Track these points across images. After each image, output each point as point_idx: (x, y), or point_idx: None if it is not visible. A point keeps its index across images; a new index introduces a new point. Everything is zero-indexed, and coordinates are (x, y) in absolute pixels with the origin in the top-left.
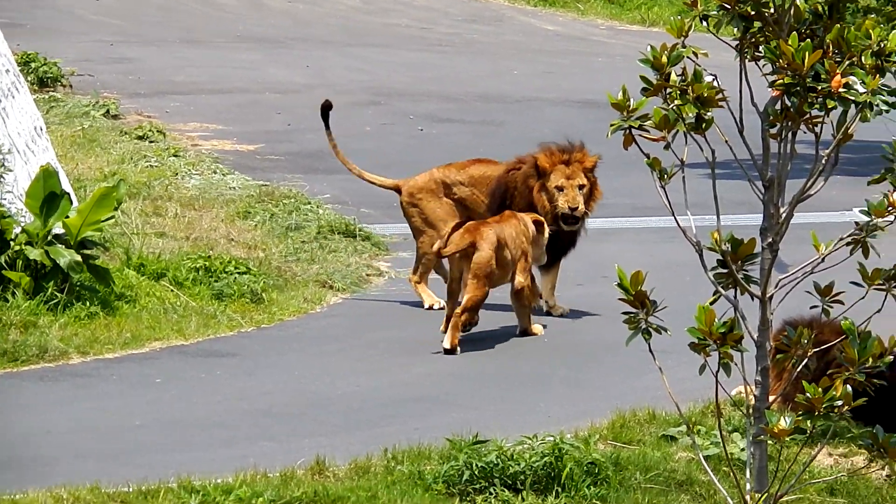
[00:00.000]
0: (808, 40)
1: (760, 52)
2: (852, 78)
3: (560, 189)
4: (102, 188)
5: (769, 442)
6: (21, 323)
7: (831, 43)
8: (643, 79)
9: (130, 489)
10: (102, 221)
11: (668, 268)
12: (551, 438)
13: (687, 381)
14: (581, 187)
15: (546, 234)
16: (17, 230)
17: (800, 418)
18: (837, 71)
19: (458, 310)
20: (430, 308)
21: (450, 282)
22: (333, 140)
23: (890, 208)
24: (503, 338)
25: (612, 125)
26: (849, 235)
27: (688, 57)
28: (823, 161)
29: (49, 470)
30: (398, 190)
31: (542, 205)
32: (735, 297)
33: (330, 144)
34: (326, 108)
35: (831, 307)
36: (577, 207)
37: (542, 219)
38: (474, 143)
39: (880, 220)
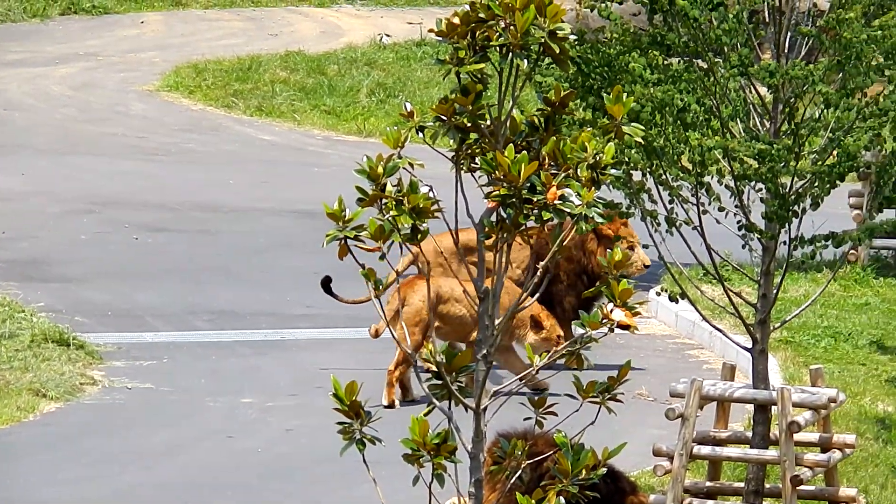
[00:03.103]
0: (525, 152)
1: (477, 164)
2: (568, 190)
3: (632, 248)
4: None
5: None
6: None
7: (547, 155)
8: (359, 189)
9: None
10: None
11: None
12: None
13: (401, 493)
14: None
15: None
16: None
17: None
18: (553, 183)
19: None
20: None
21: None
22: (342, 298)
23: (604, 321)
24: (211, 448)
25: (327, 235)
26: (563, 347)
27: (404, 168)
28: (539, 273)
29: None
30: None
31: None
32: (449, 408)
33: (346, 302)
34: (327, 283)
35: (545, 419)
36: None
37: None
38: (190, 253)
39: (594, 332)
